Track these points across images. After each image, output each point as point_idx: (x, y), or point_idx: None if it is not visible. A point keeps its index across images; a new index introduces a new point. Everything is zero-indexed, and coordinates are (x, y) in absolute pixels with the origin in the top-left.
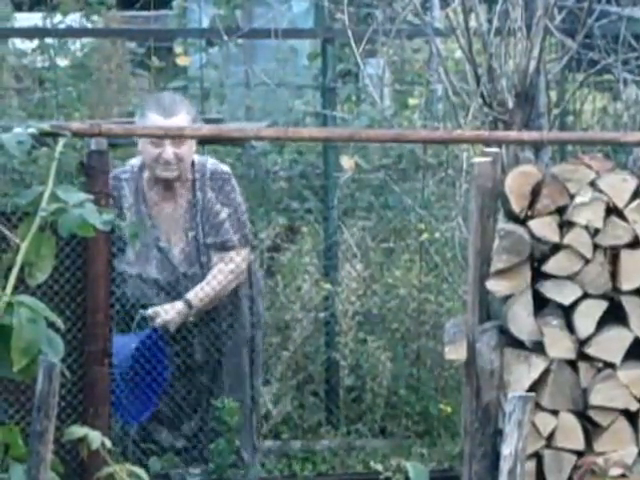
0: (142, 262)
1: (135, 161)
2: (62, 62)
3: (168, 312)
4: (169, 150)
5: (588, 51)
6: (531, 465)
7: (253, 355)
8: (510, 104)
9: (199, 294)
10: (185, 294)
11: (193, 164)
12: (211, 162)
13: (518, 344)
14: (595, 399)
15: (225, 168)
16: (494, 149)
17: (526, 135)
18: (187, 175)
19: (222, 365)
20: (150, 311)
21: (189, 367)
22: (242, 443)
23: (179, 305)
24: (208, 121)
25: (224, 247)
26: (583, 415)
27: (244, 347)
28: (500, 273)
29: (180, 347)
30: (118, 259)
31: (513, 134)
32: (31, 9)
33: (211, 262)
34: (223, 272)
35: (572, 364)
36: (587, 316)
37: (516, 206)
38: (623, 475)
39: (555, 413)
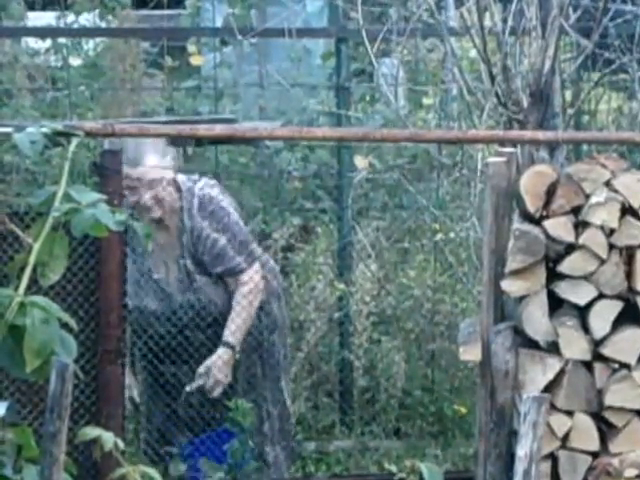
0: (140, 294)
1: None
2: (75, 62)
3: (221, 369)
4: (146, 196)
5: (603, 50)
6: (546, 466)
7: (270, 358)
8: (525, 103)
9: (234, 331)
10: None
11: (180, 190)
12: (199, 187)
13: (533, 345)
14: (610, 400)
15: (213, 193)
16: (509, 149)
17: (541, 135)
18: (174, 206)
19: (238, 370)
20: (202, 369)
21: None
22: (258, 446)
23: (224, 355)
24: (221, 121)
25: (234, 272)
26: (598, 416)
27: (257, 351)
28: (515, 273)
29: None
30: None
31: (528, 134)
32: (44, 8)
33: (206, 287)
34: (246, 297)
35: (587, 365)
36: (602, 316)
37: (531, 206)
38: (638, 476)
39: (570, 414)
